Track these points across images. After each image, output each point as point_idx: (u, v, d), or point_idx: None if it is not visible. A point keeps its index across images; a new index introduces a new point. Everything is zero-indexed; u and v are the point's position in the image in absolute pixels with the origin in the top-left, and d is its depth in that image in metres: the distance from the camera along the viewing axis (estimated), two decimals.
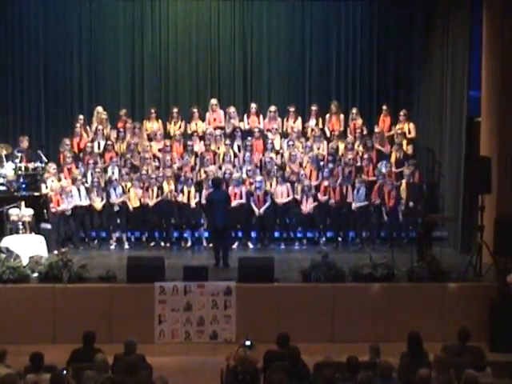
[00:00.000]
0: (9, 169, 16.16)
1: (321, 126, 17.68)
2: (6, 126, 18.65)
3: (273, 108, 17.70)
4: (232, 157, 16.81)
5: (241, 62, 19.06)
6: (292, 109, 17.75)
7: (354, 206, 16.08)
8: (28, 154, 16.81)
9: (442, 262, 13.61)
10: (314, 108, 17.82)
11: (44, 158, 16.80)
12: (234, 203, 15.62)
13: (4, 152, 16.61)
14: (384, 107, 17.81)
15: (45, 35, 18.73)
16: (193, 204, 16.02)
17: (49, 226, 15.68)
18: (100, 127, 17.35)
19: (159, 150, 17.07)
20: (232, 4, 18.97)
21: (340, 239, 16.34)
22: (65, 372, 9.15)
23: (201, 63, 19.07)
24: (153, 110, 17.83)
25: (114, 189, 16.05)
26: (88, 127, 17.56)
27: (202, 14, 18.98)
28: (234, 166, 16.66)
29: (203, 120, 17.69)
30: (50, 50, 18.77)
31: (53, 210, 15.62)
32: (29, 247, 14.30)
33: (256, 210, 16.04)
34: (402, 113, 17.60)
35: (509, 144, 14.56)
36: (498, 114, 14.65)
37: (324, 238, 16.36)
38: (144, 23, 18.98)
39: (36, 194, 15.98)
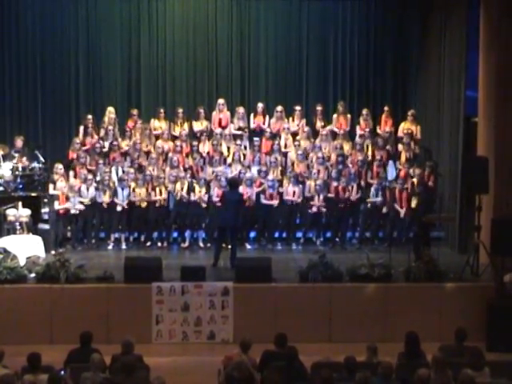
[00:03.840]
0: (6, 169, 16.13)
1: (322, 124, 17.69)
2: (3, 126, 18.61)
3: (279, 108, 17.70)
4: (242, 157, 16.83)
5: (238, 61, 19.04)
6: (298, 108, 17.78)
7: (368, 204, 16.13)
8: (23, 153, 16.76)
9: (439, 262, 13.65)
10: (319, 108, 17.83)
11: (41, 158, 16.77)
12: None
13: (1, 152, 16.58)
14: (386, 108, 17.83)
15: (41, 35, 18.69)
16: (203, 204, 16.03)
17: (46, 227, 15.66)
18: (110, 127, 17.36)
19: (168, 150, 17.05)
20: (229, 3, 18.96)
21: (337, 239, 16.33)
22: (63, 372, 9.15)
23: (198, 62, 19.06)
24: (162, 110, 17.81)
25: (122, 189, 16.04)
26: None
27: (199, 13, 18.96)
28: (243, 165, 16.67)
29: (208, 119, 17.67)
30: (46, 49, 18.73)
31: (57, 207, 15.56)
32: (26, 247, 14.25)
33: (271, 202, 16.01)
34: (409, 113, 17.59)
35: (506, 144, 14.57)
36: (495, 114, 14.67)
37: (321, 238, 16.36)
38: (141, 22, 18.95)
39: (33, 194, 15.95)
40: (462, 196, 15.65)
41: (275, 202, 16.05)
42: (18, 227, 14.78)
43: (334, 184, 16.15)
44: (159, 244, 16.20)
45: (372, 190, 16.17)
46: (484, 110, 15.21)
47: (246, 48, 19.09)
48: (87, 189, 15.93)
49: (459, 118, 15.88)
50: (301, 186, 16.24)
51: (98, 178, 16.25)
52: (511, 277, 13.36)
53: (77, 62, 18.87)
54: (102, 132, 17.44)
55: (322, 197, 16.06)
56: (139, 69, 19.07)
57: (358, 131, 17.62)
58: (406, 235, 16.02)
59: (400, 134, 17.40)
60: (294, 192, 16.12)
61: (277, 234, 16.49)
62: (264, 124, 17.62)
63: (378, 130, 17.61)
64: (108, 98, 18.87)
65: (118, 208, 16.00)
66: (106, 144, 17.14)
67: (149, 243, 16.19)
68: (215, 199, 15.86)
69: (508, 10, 14.45)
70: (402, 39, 18.81)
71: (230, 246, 14.92)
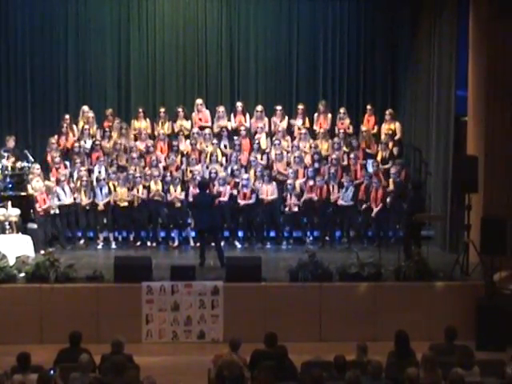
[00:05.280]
0: None
1: (307, 125, 17.65)
2: None
3: (259, 108, 17.69)
4: (220, 156, 16.80)
5: (228, 60, 19.05)
6: (279, 108, 17.75)
7: (340, 202, 16.08)
8: (14, 153, 16.73)
9: (429, 261, 13.65)
10: (300, 107, 17.81)
11: (31, 157, 16.72)
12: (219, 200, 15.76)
13: None
14: (368, 107, 17.85)
15: (31, 35, 18.66)
16: (177, 204, 15.97)
17: (35, 226, 15.63)
18: (86, 126, 17.32)
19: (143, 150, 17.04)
20: (219, 3, 18.96)
21: (327, 238, 16.33)
22: (52, 372, 9.12)
23: (188, 62, 19.06)
24: (140, 110, 17.78)
25: (101, 188, 16.01)
26: (74, 126, 17.52)
27: (188, 13, 18.97)
28: (221, 165, 16.64)
29: (188, 119, 17.65)
30: (36, 49, 18.70)
31: (38, 209, 15.55)
32: (15, 247, 14.26)
33: (241, 201, 16.00)
34: (387, 112, 17.59)
35: (495, 143, 14.60)
36: (485, 114, 14.69)
37: (311, 238, 16.37)
38: (131, 22, 18.94)
39: (23, 193, 15.91)
40: (451, 195, 15.68)
41: (251, 201, 16.00)
42: (8, 227, 14.76)
43: (310, 183, 16.16)
44: (149, 243, 16.17)
45: (348, 190, 16.15)
46: (474, 109, 15.24)
47: (236, 48, 19.09)
48: (62, 189, 15.87)
49: (449, 118, 15.90)
50: (274, 183, 16.21)
51: (75, 178, 16.22)
52: (501, 276, 13.40)
53: (66, 61, 18.85)
54: (78, 131, 17.39)
55: (294, 196, 16.06)
56: (129, 68, 19.05)
57: (336, 131, 17.60)
58: (395, 235, 16.05)
59: (382, 135, 17.34)
60: (267, 190, 16.09)
61: (266, 233, 16.45)
62: (246, 122, 17.59)
63: (363, 128, 17.54)
64: (97, 97, 18.89)
65: (100, 207, 15.95)
66: (82, 143, 17.08)
67: (138, 243, 16.16)
68: (190, 199, 15.85)
69: (497, 9, 14.47)
70: (392, 39, 18.83)
71: (215, 246, 14.91)
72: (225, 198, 15.94)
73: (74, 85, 18.94)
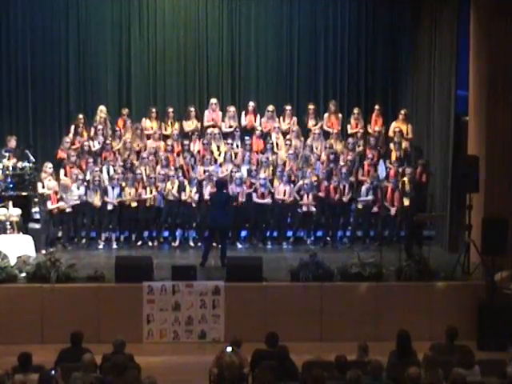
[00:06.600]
0: None
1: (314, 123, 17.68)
2: None
3: (271, 107, 17.63)
4: (233, 156, 16.81)
5: (229, 60, 19.01)
6: (288, 107, 17.73)
7: (359, 203, 16.10)
8: (16, 153, 16.73)
9: (430, 261, 13.65)
10: (311, 107, 17.76)
11: (32, 157, 16.71)
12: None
13: None
14: (376, 107, 17.78)
15: (31, 34, 18.61)
16: (194, 204, 16.00)
17: (37, 226, 15.63)
18: (100, 127, 17.30)
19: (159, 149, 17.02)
20: (220, 2, 18.93)
21: (328, 238, 16.32)
22: (53, 372, 9.12)
23: (188, 62, 19.01)
24: (154, 110, 17.73)
25: (113, 188, 16.00)
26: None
27: (189, 13, 18.91)
28: (234, 165, 16.65)
29: (199, 119, 17.64)
30: (37, 49, 18.66)
31: (51, 207, 15.52)
32: (16, 247, 14.27)
33: (263, 201, 15.98)
34: (402, 112, 17.49)
35: (496, 143, 14.59)
36: (486, 113, 14.67)
37: (312, 237, 16.36)
38: (132, 21, 18.89)
39: (24, 193, 15.92)
40: (452, 195, 15.68)
41: (268, 201, 16.03)
42: (9, 227, 14.76)
43: (325, 183, 16.15)
44: (150, 243, 16.17)
45: (363, 189, 16.14)
46: (474, 109, 15.22)
47: (237, 47, 19.04)
48: (77, 188, 15.88)
49: (450, 117, 15.90)
50: (292, 185, 16.23)
51: (87, 177, 16.22)
52: (502, 275, 13.40)
53: (67, 61, 18.80)
54: (93, 131, 17.40)
55: (311, 196, 16.06)
56: (130, 68, 19.01)
57: (350, 131, 17.60)
58: (396, 234, 16.04)
59: (391, 133, 17.37)
60: (285, 191, 16.11)
61: (268, 233, 16.45)
62: (255, 122, 17.59)
63: (369, 129, 17.57)
64: (98, 97, 18.82)
65: (109, 207, 15.95)
66: (96, 143, 17.09)
67: (139, 242, 16.15)
68: (207, 198, 15.84)
69: (498, 9, 14.46)
70: (392, 38, 18.80)
71: (219, 246, 14.91)
72: (242, 199, 15.95)
73: (75, 84, 18.88)
